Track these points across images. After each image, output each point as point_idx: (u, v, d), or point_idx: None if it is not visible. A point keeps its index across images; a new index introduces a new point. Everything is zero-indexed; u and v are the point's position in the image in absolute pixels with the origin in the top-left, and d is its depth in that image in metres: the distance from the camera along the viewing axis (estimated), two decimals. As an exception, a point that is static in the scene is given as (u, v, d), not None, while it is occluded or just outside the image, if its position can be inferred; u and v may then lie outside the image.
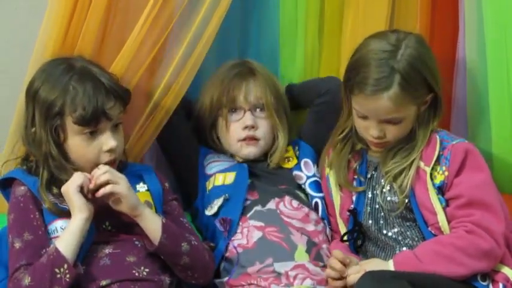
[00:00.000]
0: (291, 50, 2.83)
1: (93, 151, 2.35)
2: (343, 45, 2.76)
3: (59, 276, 2.19)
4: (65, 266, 2.20)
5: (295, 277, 2.46)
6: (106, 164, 2.35)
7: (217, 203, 2.60)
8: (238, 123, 2.67)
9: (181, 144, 2.71)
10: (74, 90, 2.33)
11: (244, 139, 2.67)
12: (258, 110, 2.68)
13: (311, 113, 2.76)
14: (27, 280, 2.20)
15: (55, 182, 2.35)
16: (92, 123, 2.33)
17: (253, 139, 2.67)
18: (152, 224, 2.33)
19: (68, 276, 2.19)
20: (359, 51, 2.43)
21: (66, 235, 2.25)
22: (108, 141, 2.35)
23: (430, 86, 2.40)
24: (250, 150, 2.68)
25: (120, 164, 2.45)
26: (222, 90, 2.66)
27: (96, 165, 2.34)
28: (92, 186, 2.29)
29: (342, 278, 2.41)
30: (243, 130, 2.66)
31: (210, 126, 2.72)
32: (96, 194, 2.29)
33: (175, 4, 2.52)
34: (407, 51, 2.37)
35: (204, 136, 2.74)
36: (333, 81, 2.73)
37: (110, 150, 2.36)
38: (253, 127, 2.66)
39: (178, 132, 2.69)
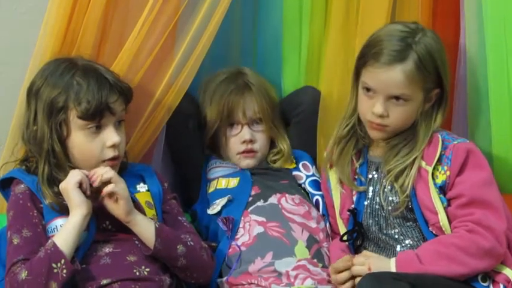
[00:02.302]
0: (294, 53, 2.84)
1: (96, 147, 2.36)
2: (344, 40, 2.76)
3: (55, 271, 2.19)
4: (62, 261, 2.19)
5: (296, 277, 2.46)
6: (109, 160, 2.36)
7: (221, 202, 2.62)
8: (237, 137, 2.71)
9: (191, 145, 2.74)
10: (78, 85, 2.34)
11: (242, 152, 2.71)
12: (255, 123, 2.72)
13: (292, 128, 2.80)
14: (24, 274, 2.20)
15: (53, 181, 2.34)
16: (96, 117, 2.34)
17: (252, 151, 2.71)
18: (145, 230, 2.33)
19: (64, 271, 2.19)
20: (376, 33, 2.45)
21: (65, 231, 2.25)
22: (111, 136, 2.36)
23: (440, 78, 2.41)
24: (248, 163, 2.72)
25: (121, 164, 2.45)
26: (221, 106, 2.68)
27: (98, 162, 2.35)
28: (96, 183, 2.29)
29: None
30: (242, 144, 2.70)
31: (209, 138, 2.75)
32: (102, 193, 2.30)
33: (175, 4, 2.52)
34: (425, 38, 2.41)
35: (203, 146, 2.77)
36: (307, 90, 2.79)
37: (113, 146, 2.36)
38: (251, 141, 2.70)
39: (189, 132, 2.72)
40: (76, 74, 2.36)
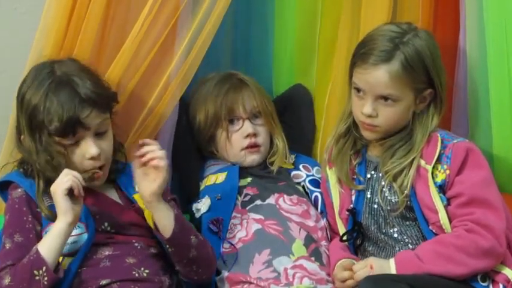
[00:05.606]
0: (285, 56, 2.88)
1: (77, 159, 2.33)
2: (341, 37, 2.78)
3: (37, 278, 2.18)
4: (44, 268, 2.18)
5: (293, 275, 2.46)
6: (91, 170, 2.33)
7: (203, 207, 2.62)
8: (239, 132, 2.71)
9: (189, 155, 2.76)
10: (50, 101, 2.30)
11: (246, 147, 2.71)
12: (255, 118, 2.73)
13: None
14: (7, 280, 2.21)
15: (48, 193, 2.30)
16: (68, 134, 2.30)
17: (256, 146, 2.72)
18: (165, 216, 2.32)
19: (46, 279, 2.18)
20: (368, 33, 2.46)
21: (49, 238, 2.23)
22: (89, 149, 2.32)
23: (431, 79, 2.40)
24: (254, 158, 2.72)
25: (119, 165, 2.45)
26: (219, 104, 2.69)
27: (81, 172, 2.31)
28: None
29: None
30: (245, 139, 2.71)
31: (207, 141, 2.75)
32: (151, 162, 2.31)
33: (172, 7, 2.52)
34: (416, 39, 2.40)
35: (201, 150, 2.79)
36: (295, 88, 2.85)
37: (92, 158, 2.33)
38: (254, 135, 2.71)
39: (186, 143, 2.74)
40: (50, 87, 2.31)
